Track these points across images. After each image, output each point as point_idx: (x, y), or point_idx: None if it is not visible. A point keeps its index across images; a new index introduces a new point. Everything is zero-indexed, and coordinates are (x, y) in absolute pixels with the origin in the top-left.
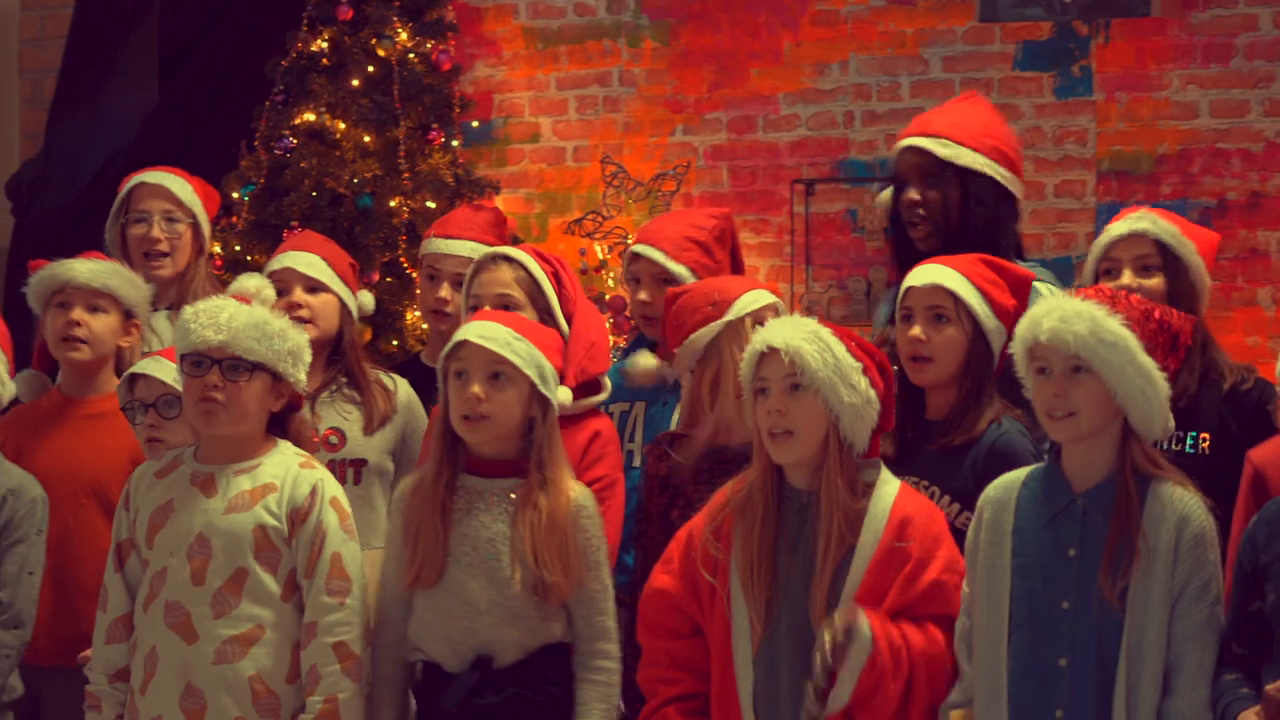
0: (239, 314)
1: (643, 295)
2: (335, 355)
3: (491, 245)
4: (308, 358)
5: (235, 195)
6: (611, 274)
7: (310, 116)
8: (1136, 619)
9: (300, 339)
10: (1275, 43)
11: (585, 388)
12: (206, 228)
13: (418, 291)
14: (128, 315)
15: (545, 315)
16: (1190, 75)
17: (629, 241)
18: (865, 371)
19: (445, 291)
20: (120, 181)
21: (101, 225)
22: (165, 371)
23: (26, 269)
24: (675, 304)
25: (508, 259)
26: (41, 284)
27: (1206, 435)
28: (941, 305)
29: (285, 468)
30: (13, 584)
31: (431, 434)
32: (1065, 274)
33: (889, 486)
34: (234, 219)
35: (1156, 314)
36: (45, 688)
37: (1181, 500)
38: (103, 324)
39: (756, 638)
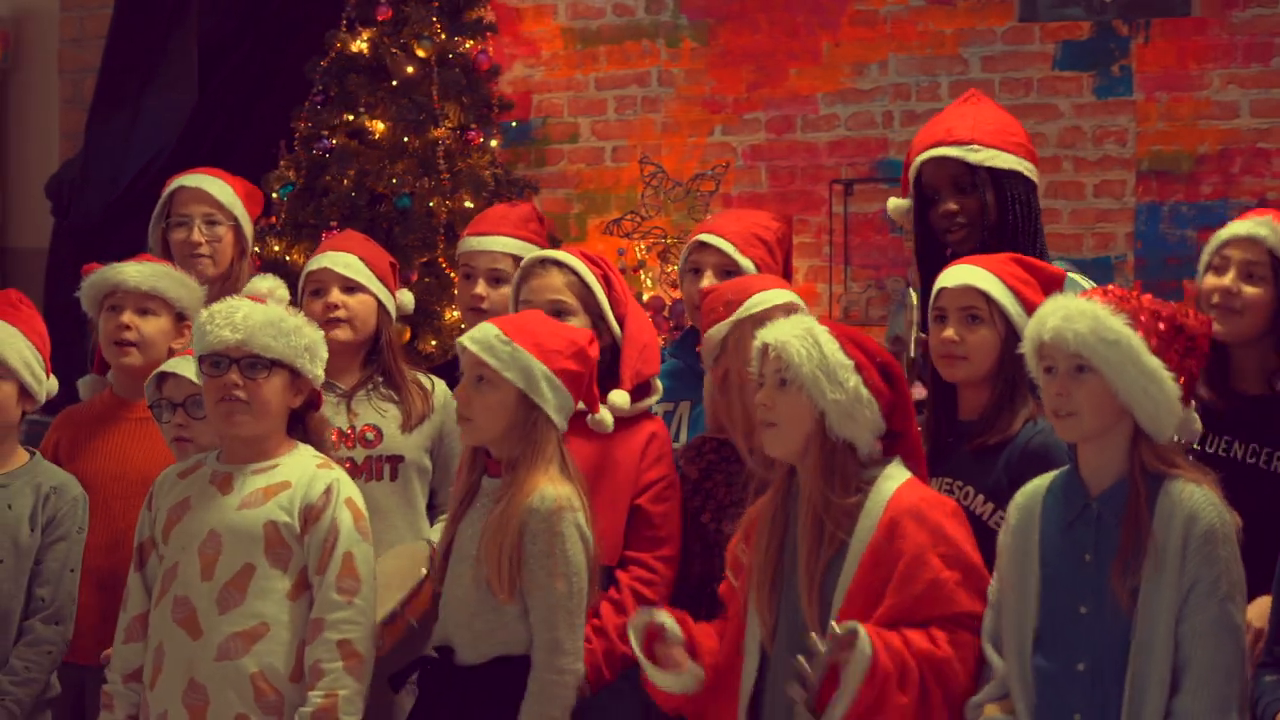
0: (254, 312)
1: (704, 284)
2: (372, 355)
3: (525, 240)
4: (324, 354)
5: (274, 195)
6: (650, 274)
7: (349, 117)
8: (1145, 619)
9: (316, 335)
10: None
11: (637, 389)
12: (248, 229)
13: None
14: (179, 317)
15: (598, 320)
16: (1231, 75)
17: (667, 242)
18: (859, 370)
19: (481, 288)
20: (160, 182)
21: (141, 226)
22: (194, 371)
23: (66, 269)
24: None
25: (557, 263)
26: (93, 288)
27: None
28: (974, 305)
29: (302, 467)
30: (54, 581)
31: None
32: (1103, 274)
33: (889, 484)
34: (273, 219)
35: (1167, 314)
36: (90, 686)
37: (1191, 497)
38: (154, 326)
39: (769, 637)
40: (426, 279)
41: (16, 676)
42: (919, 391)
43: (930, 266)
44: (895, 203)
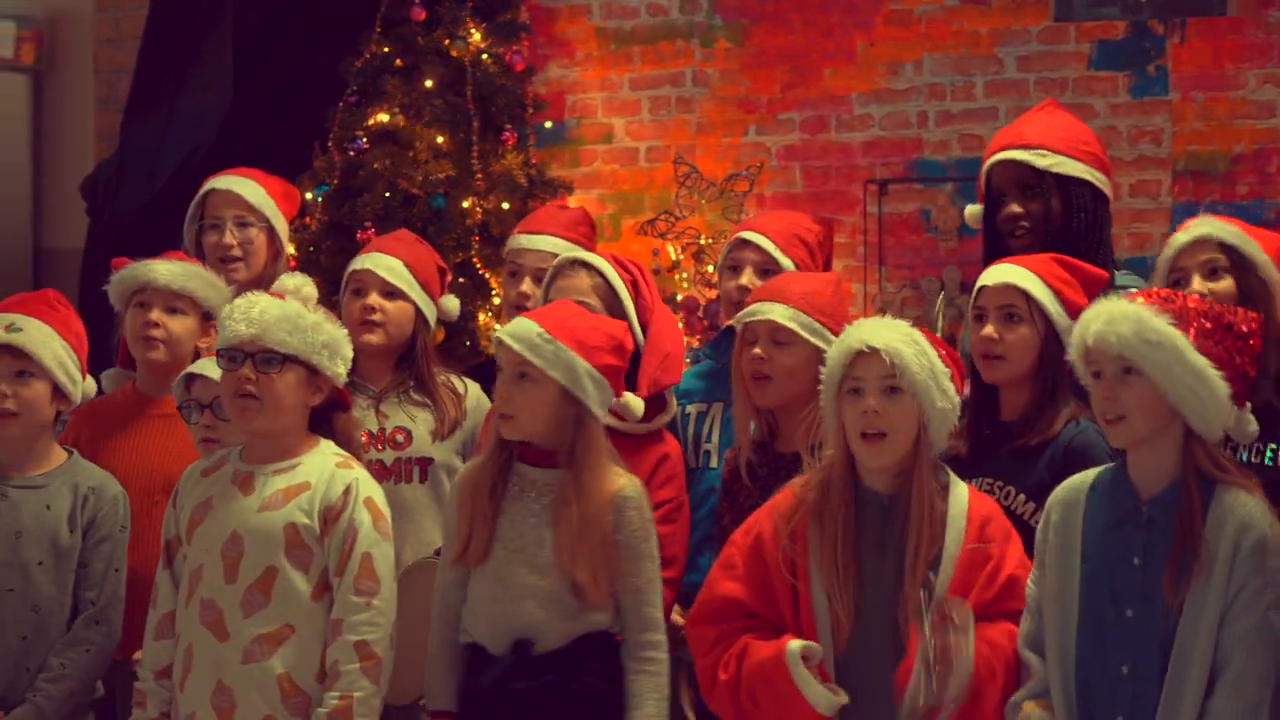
0: (271, 307)
1: (743, 280)
2: (405, 360)
3: (574, 243)
4: (347, 352)
5: (309, 196)
6: (684, 274)
7: (384, 117)
8: (1188, 623)
9: (337, 333)
10: None
11: (653, 403)
12: (282, 229)
13: (493, 294)
14: (207, 317)
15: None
16: (1267, 74)
17: (702, 242)
18: (951, 378)
19: (527, 286)
20: (195, 182)
21: (176, 226)
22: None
23: (102, 268)
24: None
25: (586, 265)
26: (122, 283)
27: None
28: (1014, 304)
29: (322, 467)
30: (100, 582)
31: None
32: (1140, 274)
33: (960, 488)
34: (307, 220)
35: (1214, 313)
36: (120, 683)
37: (1245, 507)
38: (180, 325)
39: (843, 638)
40: (460, 279)
41: (51, 673)
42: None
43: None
44: (972, 209)
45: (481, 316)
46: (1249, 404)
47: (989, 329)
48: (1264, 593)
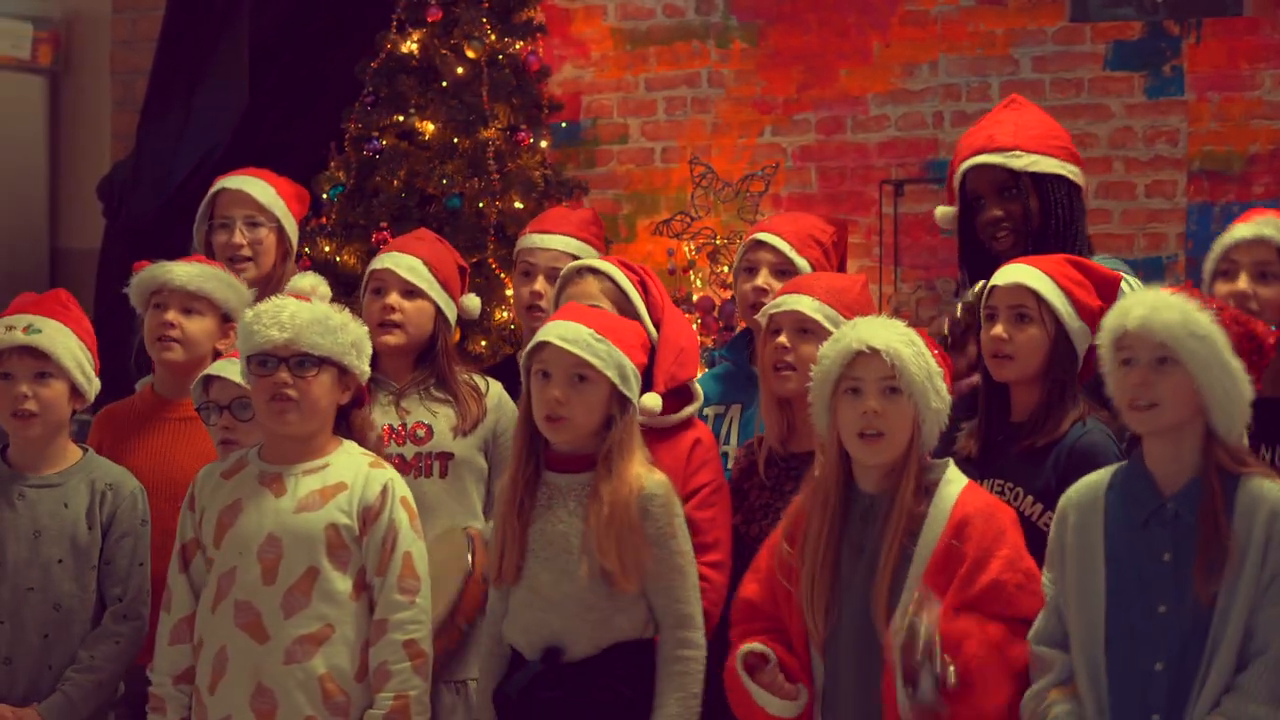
0: (301, 311)
1: (759, 282)
2: (425, 358)
3: (585, 242)
4: (369, 349)
5: (324, 196)
6: (700, 275)
7: (399, 118)
8: (1222, 615)
9: (361, 331)
10: None
11: (679, 396)
12: (292, 230)
13: (509, 294)
14: (225, 318)
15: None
16: None
17: (717, 242)
18: (943, 377)
19: (540, 285)
20: (210, 183)
21: (191, 227)
22: (239, 373)
23: (118, 269)
24: None
25: (593, 271)
26: (141, 284)
27: None
28: (1024, 304)
29: (355, 467)
30: (125, 578)
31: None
32: (1155, 274)
33: (952, 487)
34: (323, 220)
35: (1242, 321)
36: (136, 685)
37: (1272, 493)
38: (198, 326)
39: (818, 640)
40: (476, 279)
41: (81, 665)
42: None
43: (976, 272)
44: (943, 211)
45: (497, 315)
46: None
47: (998, 329)
48: None
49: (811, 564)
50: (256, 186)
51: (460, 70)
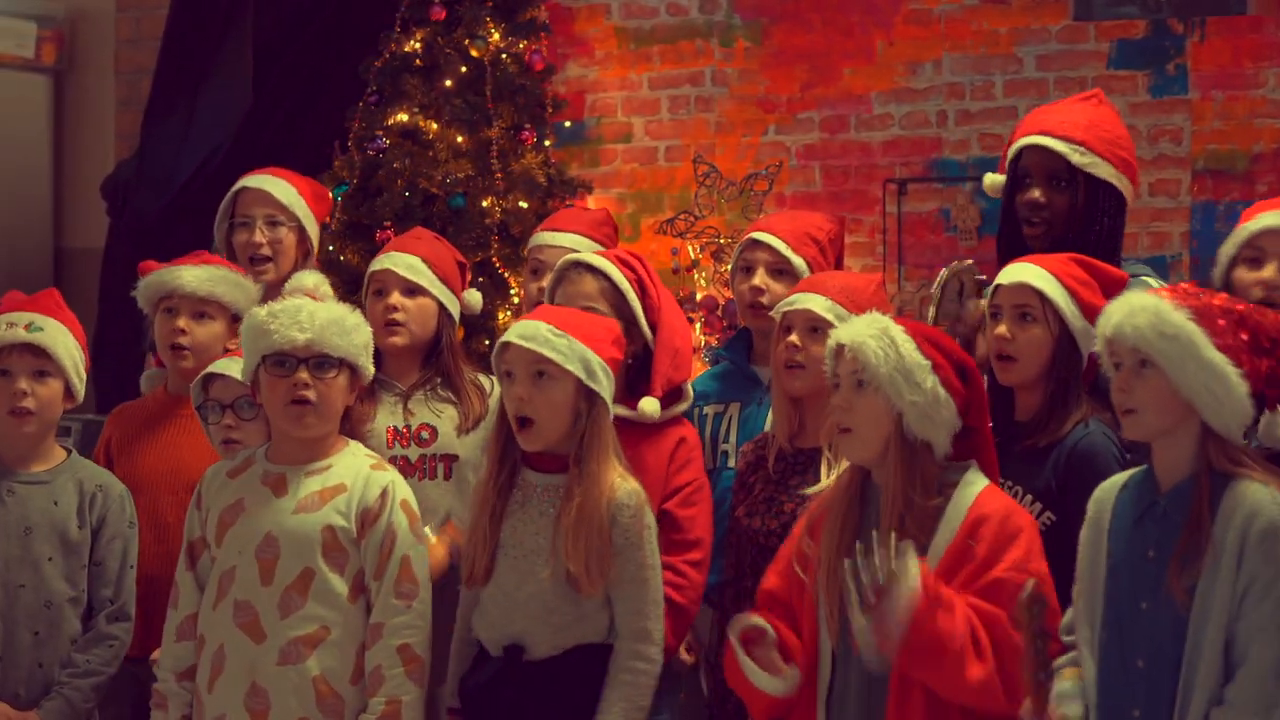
0: (319, 311)
1: (755, 281)
2: (431, 356)
3: (598, 243)
4: (372, 349)
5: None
6: (703, 274)
7: (403, 117)
8: (1199, 617)
9: (369, 332)
10: None
11: (668, 395)
12: (312, 230)
13: (513, 293)
14: (235, 320)
15: (630, 324)
16: None
17: (721, 241)
18: (936, 370)
19: (548, 282)
20: (215, 182)
21: (196, 226)
22: (242, 372)
23: (122, 268)
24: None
25: (590, 268)
26: (149, 289)
27: None
28: (1027, 304)
29: (356, 469)
30: (116, 579)
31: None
32: (1159, 273)
33: (972, 488)
34: (327, 219)
35: (1240, 311)
36: (143, 680)
37: (1255, 496)
38: (207, 331)
39: (834, 634)
40: (480, 279)
41: (77, 669)
42: None
43: (1010, 253)
44: (992, 178)
45: (501, 315)
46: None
47: (1001, 328)
48: (1277, 582)
49: (826, 560)
50: (278, 186)
51: (464, 69)
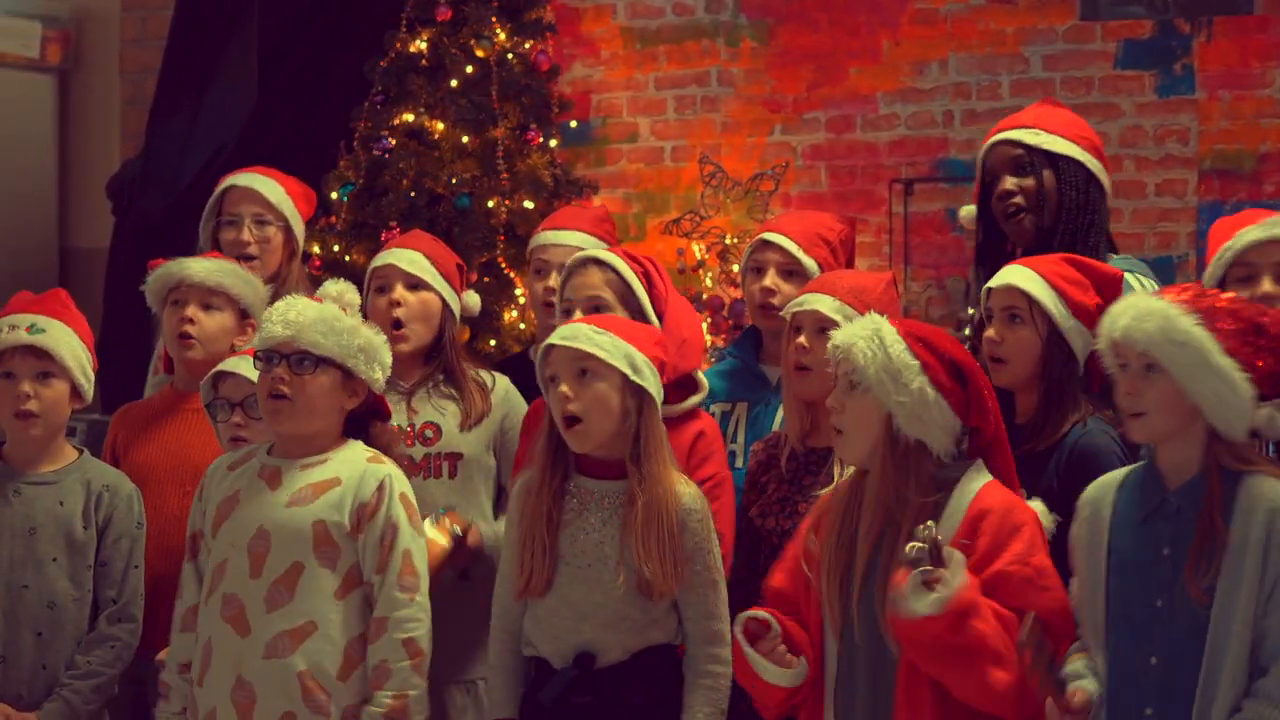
0: (308, 310)
1: (766, 282)
2: (434, 353)
3: (600, 239)
4: (386, 359)
5: (334, 196)
6: (710, 274)
7: (409, 117)
8: (1221, 615)
9: (376, 339)
10: None
11: (684, 387)
12: (299, 229)
13: (518, 293)
14: (243, 314)
15: (637, 315)
16: None
17: (727, 241)
18: (926, 369)
19: (554, 282)
20: (219, 182)
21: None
22: (252, 370)
23: (128, 268)
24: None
25: (597, 262)
26: (158, 282)
27: None
28: (1015, 306)
29: (352, 464)
30: (120, 579)
31: (526, 433)
32: (1165, 273)
33: (974, 483)
34: (332, 219)
35: (1246, 313)
36: (149, 677)
37: (1273, 491)
38: (216, 322)
39: (837, 629)
40: (486, 279)
41: (79, 670)
42: None
43: (991, 268)
44: (967, 210)
45: (507, 315)
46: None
47: (990, 331)
48: None
49: (826, 555)
50: (266, 185)
51: (470, 69)
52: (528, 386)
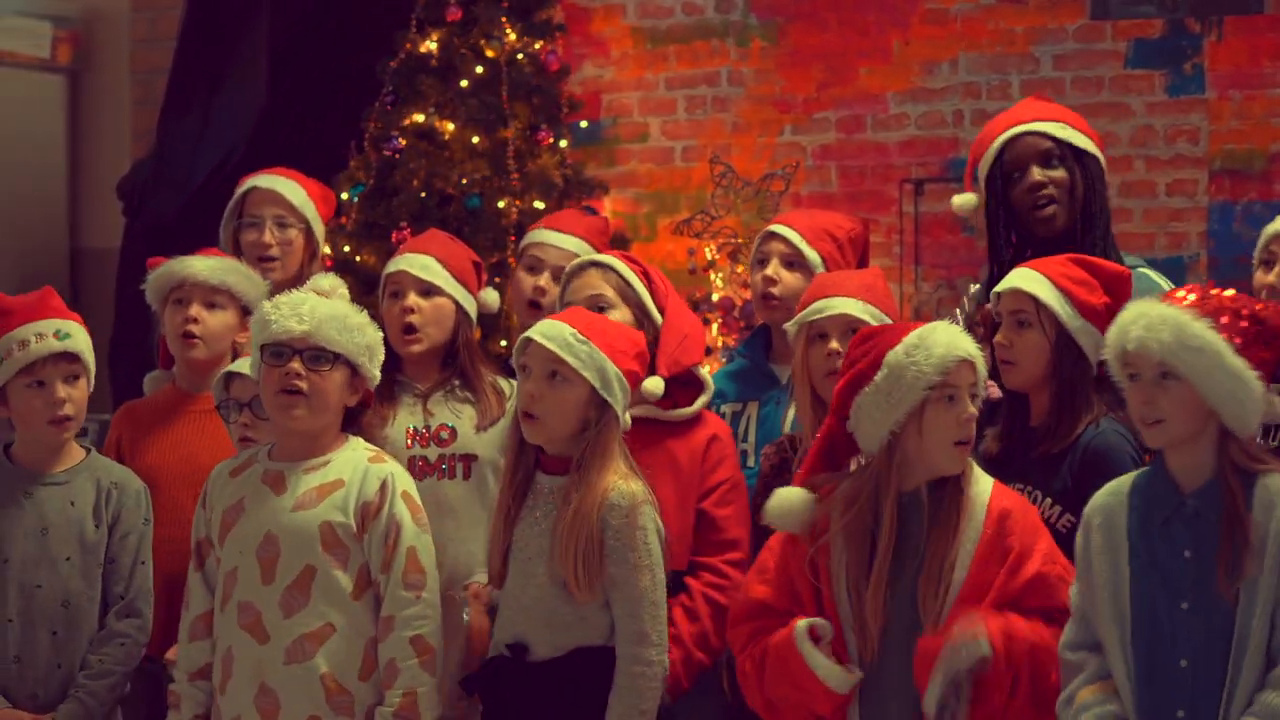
0: (321, 305)
1: (769, 271)
2: (450, 357)
3: (594, 247)
4: (381, 355)
5: (344, 196)
6: (720, 274)
7: (419, 117)
8: (1245, 611)
9: (377, 336)
10: None
11: (689, 388)
12: (319, 231)
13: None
14: (246, 312)
15: (640, 312)
16: None
17: (738, 242)
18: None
19: (545, 281)
20: (231, 182)
21: (212, 226)
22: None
23: (138, 268)
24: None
25: (597, 265)
26: (159, 280)
27: None
28: (1022, 309)
29: (354, 464)
30: (128, 576)
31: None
32: (1176, 274)
33: (983, 483)
34: (343, 220)
35: (1249, 311)
36: (158, 681)
37: None
38: (219, 320)
39: (872, 639)
40: (496, 279)
41: (91, 670)
42: (993, 391)
43: (1005, 265)
44: (961, 199)
45: (516, 317)
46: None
47: (999, 335)
48: None
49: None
50: (288, 187)
51: (480, 70)
52: None
